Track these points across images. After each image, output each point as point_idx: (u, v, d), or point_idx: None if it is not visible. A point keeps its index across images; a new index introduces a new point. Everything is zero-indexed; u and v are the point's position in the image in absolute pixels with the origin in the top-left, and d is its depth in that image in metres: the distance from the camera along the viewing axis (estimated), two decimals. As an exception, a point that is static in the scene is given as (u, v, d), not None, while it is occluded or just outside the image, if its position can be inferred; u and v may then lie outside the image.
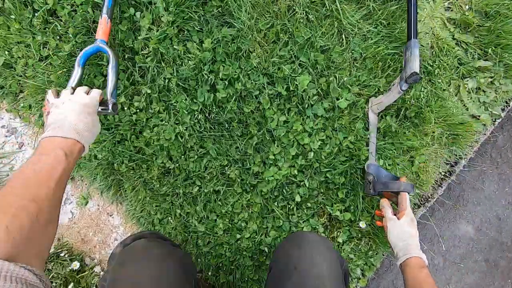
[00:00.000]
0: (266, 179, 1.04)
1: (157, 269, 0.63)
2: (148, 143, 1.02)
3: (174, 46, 1.00)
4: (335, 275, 0.66)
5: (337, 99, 1.07)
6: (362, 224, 1.05)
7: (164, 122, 1.00)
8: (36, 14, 0.98)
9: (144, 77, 1.02)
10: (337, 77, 1.06)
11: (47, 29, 0.99)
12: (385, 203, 0.92)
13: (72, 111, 0.63)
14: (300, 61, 1.05)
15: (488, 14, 1.19)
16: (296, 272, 0.66)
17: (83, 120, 0.64)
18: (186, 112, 1.00)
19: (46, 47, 1.00)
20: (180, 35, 1.01)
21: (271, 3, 1.05)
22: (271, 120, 1.04)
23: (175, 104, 1.00)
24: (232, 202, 1.05)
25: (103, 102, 0.78)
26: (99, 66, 0.99)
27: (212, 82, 1.00)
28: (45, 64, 1.00)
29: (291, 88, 1.03)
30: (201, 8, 1.01)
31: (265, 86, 1.04)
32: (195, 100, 1.00)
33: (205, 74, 0.99)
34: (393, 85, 1.03)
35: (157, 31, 0.99)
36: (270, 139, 1.05)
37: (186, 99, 1.00)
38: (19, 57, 1.01)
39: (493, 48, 1.16)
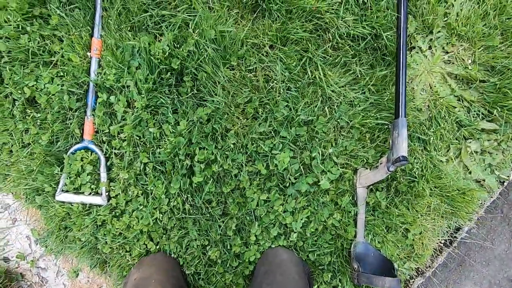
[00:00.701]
0: (247, 260, 1.01)
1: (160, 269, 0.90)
2: (128, 226, 1.02)
3: (150, 129, 0.98)
4: (295, 263, 0.91)
5: (321, 173, 1.01)
6: (349, 309, 1.00)
7: (142, 206, 1.00)
8: (16, 104, 1.00)
9: (122, 159, 1.01)
10: (320, 152, 1.00)
11: (27, 117, 1.01)
12: None
13: None
14: (281, 136, 1.00)
15: (494, 69, 1.07)
16: (266, 261, 0.94)
17: None
18: (164, 197, 0.99)
19: (28, 133, 1.02)
20: (154, 118, 0.99)
21: (247, 77, 1.00)
22: (251, 200, 1.00)
23: (152, 188, 0.99)
24: (214, 281, 1.04)
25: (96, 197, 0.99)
26: (81, 160, 1.00)
27: (188, 166, 0.98)
28: (27, 151, 1.02)
29: (271, 167, 0.99)
30: (174, 90, 0.98)
31: (244, 164, 1.00)
32: (172, 184, 0.99)
33: (181, 158, 0.97)
34: (380, 163, 0.96)
35: (132, 114, 0.97)
36: (251, 218, 1.02)
37: (163, 183, 0.99)
38: (4, 143, 1.04)
39: (499, 109, 1.04)
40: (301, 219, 1.01)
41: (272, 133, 1.01)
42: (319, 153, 1.00)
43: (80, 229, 1.02)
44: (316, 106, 1.01)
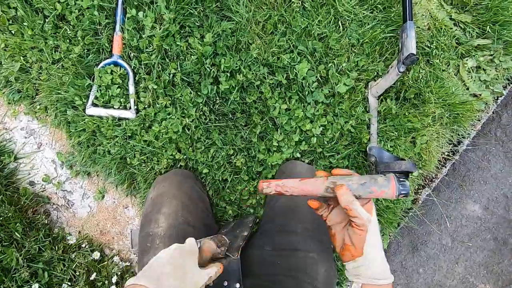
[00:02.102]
0: (270, 164, 1.08)
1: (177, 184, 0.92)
2: (157, 137, 1.07)
3: (177, 42, 1.04)
4: (311, 174, 0.91)
5: (337, 84, 1.10)
6: (367, 205, 1.08)
7: (171, 115, 1.05)
8: (46, 20, 1.04)
9: (150, 74, 1.07)
10: (336, 63, 1.09)
11: (57, 33, 1.05)
12: (344, 190, 0.53)
13: None
14: (299, 49, 1.08)
15: (485, -7, 1.19)
16: (284, 174, 0.97)
17: None
18: (192, 105, 1.05)
19: (57, 51, 1.06)
20: (182, 32, 1.06)
21: (267, -5, 1.08)
22: (273, 109, 1.07)
23: (180, 98, 1.05)
24: (239, 189, 1.10)
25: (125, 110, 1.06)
26: (111, 74, 1.05)
27: (214, 74, 1.05)
28: (57, 66, 1.06)
29: (291, 77, 1.07)
30: (200, 4, 1.05)
31: (266, 76, 1.07)
32: (199, 93, 1.05)
33: (208, 67, 1.04)
34: (391, 67, 1.05)
35: (160, 29, 1.04)
36: (273, 127, 1.09)
37: (190, 93, 1.05)
38: (33, 62, 1.08)
39: (491, 26, 1.16)
40: (320, 126, 1.09)
41: (291, 47, 1.09)
42: (334, 63, 1.09)
43: (110, 140, 1.07)
44: (329, 22, 1.10)
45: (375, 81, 1.12)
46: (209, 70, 1.03)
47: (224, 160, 1.09)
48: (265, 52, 1.08)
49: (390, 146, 1.12)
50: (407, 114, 1.12)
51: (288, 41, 1.08)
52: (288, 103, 1.08)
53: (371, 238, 0.54)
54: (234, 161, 1.08)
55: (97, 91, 1.06)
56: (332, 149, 1.10)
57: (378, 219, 1.13)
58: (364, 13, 1.12)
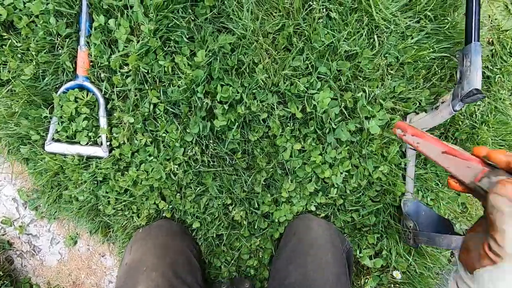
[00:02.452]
0: (277, 220, 0.86)
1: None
2: (135, 182, 0.85)
3: (160, 62, 0.79)
4: (331, 240, 0.74)
5: (366, 118, 0.85)
6: (397, 275, 0.86)
7: (152, 157, 0.82)
8: (-12, 29, 0.79)
9: (125, 101, 0.83)
10: (367, 90, 0.83)
11: (4, 46, 0.81)
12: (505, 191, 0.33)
13: None
14: (319, 72, 0.82)
15: None
16: (294, 237, 0.77)
17: None
18: (178, 145, 0.81)
19: (5, 69, 0.82)
20: (166, 47, 0.80)
21: (280, -2, 0.81)
22: (283, 150, 0.84)
23: (164, 135, 0.82)
24: (238, 246, 0.89)
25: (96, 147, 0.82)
26: (75, 102, 0.81)
27: (208, 106, 0.80)
28: (6, 91, 0.82)
29: (308, 109, 0.82)
30: (190, 11, 0.79)
31: (275, 107, 0.83)
32: (188, 130, 0.81)
33: (199, 97, 0.79)
34: (442, 102, 0.79)
35: (138, 42, 0.78)
36: (283, 172, 0.86)
37: (177, 129, 0.81)
38: (-23, 82, 0.84)
39: None
40: (341, 173, 0.85)
41: (310, 68, 0.83)
42: (364, 94, 0.83)
43: (77, 185, 0.85)
44: (361, 36, 0.83)
45: (417, 114, 0.87)
46: (200, 102, 0.79)
47: (220, 211, 0.87)
48: (275, 75, 0.82)
49: (431, 199, 0.88)
50: (455, 159, 0.87)
51: (306, 60, 0.82)
52: (302, 142, 0.84)
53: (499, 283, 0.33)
54: (232, 214, 0.86)
55: (58, 124, 0.83)
56: (356, 202, 0.87)
57: (408, 287, 0.93)
58: (407, 23, 0.84)
